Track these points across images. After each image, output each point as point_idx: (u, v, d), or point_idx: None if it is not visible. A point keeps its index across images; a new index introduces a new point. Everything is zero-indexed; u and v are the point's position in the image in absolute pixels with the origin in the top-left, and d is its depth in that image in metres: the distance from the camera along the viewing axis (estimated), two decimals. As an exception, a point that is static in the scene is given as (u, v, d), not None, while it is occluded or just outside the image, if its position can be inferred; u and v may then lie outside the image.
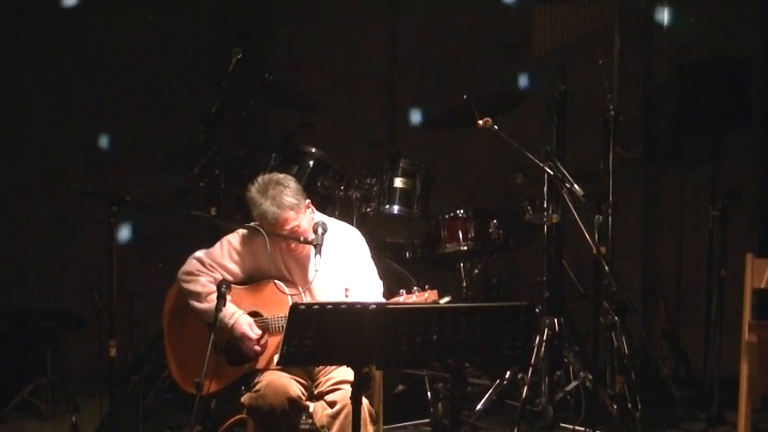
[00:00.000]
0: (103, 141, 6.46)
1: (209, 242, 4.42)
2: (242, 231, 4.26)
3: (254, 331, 4.13)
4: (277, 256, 4.23)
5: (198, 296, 4.16)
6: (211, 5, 6.78)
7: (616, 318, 5.13)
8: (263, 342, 4.15)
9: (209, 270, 4.21)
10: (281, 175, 4.24)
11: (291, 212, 4.13)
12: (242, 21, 6.84)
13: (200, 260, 4.24)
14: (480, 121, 4.93)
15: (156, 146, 6.11)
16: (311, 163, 5.49)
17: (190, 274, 4.21)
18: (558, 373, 5.40)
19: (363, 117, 6.78)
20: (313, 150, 5.51)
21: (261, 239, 4.15)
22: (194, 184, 5.31)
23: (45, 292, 6.34)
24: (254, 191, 4.15)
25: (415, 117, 6.77)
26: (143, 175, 6.27)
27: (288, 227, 4.13)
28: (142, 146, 6.42)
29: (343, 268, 4.26)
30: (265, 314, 4.17)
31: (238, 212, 5.61)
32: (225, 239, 4.29)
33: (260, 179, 4.19)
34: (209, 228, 5.03)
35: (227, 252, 4.25)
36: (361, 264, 4.30)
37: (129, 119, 6.52)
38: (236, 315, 4.14)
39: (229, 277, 4.23)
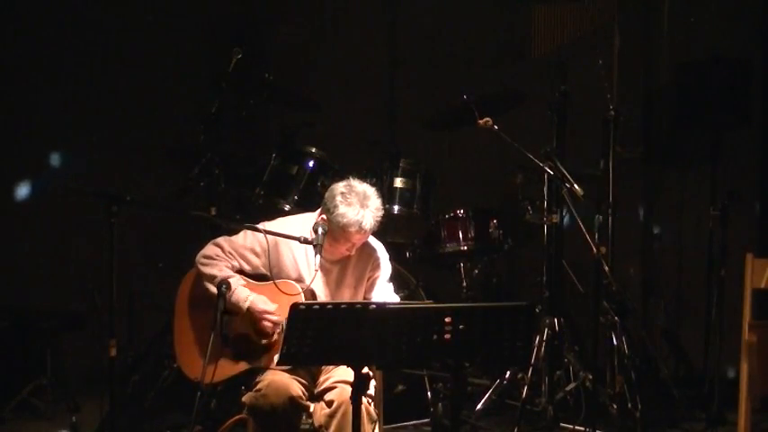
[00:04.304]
0: (103, 141, 6.46)
1: (209, 242, 4.40)
2: (269, 227, 4.20)
3: (270, 305, 4.12)
4: (301, 257, 4.22)
5: (213, 279, 4.13)
6: (211, 5, 6.78)
7: (616, 318, 5.13)
8: (274, 339, 4.14)
9: (228, 257, 4.20)
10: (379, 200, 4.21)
11: (369, 234, 4.18)
12: (242, 21, 6.84)
13: (220, 246, 4.22)
14: (480, 121, 4.94)
15: (156, 146, 6.10)
16: (311, 163, 5.49)
17: (209, 257, 4.19)
18: (558, 373, 5.40)
19: (363, 117, 6.78)
20: (313, 150, 5.51)
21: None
22: (194, 184, 5.31)
23: (45, 292, 6.33)
24: (354, 194, 4.11)
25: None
26: (143, 175, 6.27)
27: (356, 240, 4.14)
28: (142, 146, 6.42)
29: (365, 279, 4.29)
30: (277, 313, 4.17)
31: (238, 212, 5.62)
32: (250, 231, 4.21)
33: (362, 186, 4.16)
34: (209, 228, 5.03)
35: (249, 243, 4.21)
36: (383, 279, 4.34)
37: (129, 119, 6.52)
38: (251, 297, 4.13)
39: (247, 267, 4.21)
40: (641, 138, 6.53)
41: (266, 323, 4.13)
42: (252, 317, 4.15)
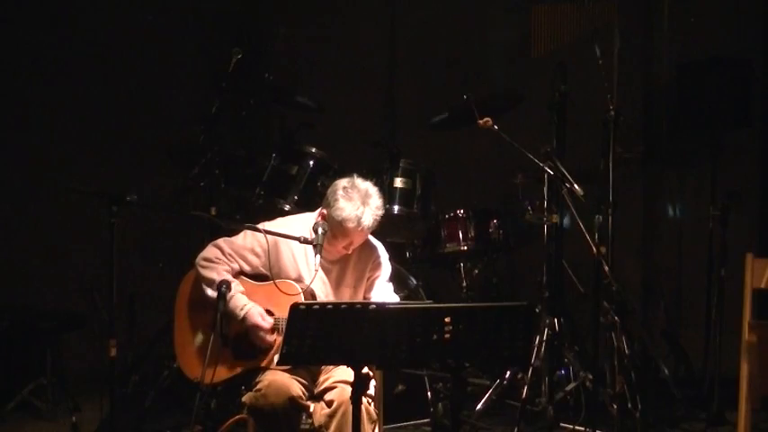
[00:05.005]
0: (103, 141, 6.46)
1: (208, 242, 4.41)
2: (269, 227, 4.18)
3: (266, 321, 4.11)
4: (301, 257, 4.21)
5: (212, 283, 4.12)
6: (211, 5, 6.78)
7: (616, 318, 5.13)
8: (273, 337, 4.13)
9: (227, 259, 4.18)
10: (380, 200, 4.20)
11: (367, 233, 4.17)
12: (242, 21, 6.84)
13: (220, 248, 4.20)
14: (480, 121, 4.94)
15: (156, 146, 6.10)
16: (311, 163, 5.49)
17: (208, 260, 4.18)
18: (559, 373, 5.40)
19: (363, 117, 6.78)
20: (313, 150, 5.51)
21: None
22: (194, 184, 5.31)
23: (45, 292, 6.33)
24: (356, 191, 4.11)
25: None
26: (143, 175, 6.27)
27: (354, 237, 4.13)
28: (142, 146, 6.42)
29: (364, 279, 4.29)
30: (277, 313, 4.15)
31: (238, 212, 5.62)
32: (250, 231, 4.19)
33: (365, 184, 4.16)
34: (209, 228, 5.03)
35: (249, 243, 4.20)
36: (383, 279, 4.34)
37: (129, 119, 6.52)
38: (247, 307, 4.11)
39: (247, 268, 4.20)
40: (641, 138, 6.53)
41: (256, 339, 4.13)
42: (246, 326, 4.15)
